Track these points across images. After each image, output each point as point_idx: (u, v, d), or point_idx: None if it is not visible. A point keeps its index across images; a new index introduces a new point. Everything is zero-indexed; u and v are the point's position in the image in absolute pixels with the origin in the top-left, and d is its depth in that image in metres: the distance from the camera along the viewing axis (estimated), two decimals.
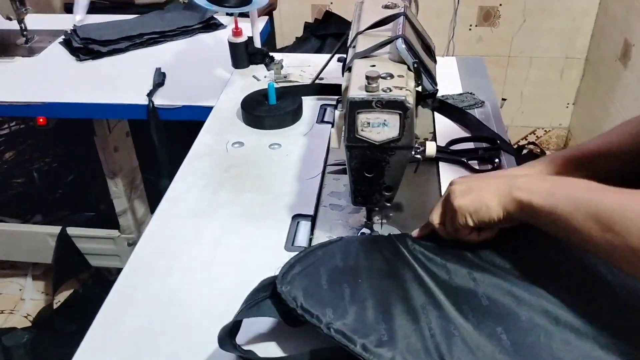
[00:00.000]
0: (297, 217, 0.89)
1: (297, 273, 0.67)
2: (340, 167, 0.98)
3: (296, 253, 0.71)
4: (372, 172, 0.74)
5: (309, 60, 1.39)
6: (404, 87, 0.70)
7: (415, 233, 0.79)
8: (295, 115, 1.13)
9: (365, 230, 0.83)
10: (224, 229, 0.87)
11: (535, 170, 0.76)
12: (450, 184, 0.72)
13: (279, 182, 0.97)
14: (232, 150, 1.05)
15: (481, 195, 0.68)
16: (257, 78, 1.31)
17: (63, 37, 1.56)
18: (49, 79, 1.40)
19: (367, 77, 0.69)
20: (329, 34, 2.23)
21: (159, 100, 1.28)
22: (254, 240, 0.84)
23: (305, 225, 0.87)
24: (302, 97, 1.18)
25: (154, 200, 1.83)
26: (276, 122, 1.12)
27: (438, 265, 0.69)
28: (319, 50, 2.13)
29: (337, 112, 0.72)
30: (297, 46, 2.23)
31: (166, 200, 0.93)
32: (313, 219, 0.88)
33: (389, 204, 0.77)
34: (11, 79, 1.41)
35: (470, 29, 2.35)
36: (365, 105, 0.69)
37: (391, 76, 0.72)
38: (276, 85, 1.16)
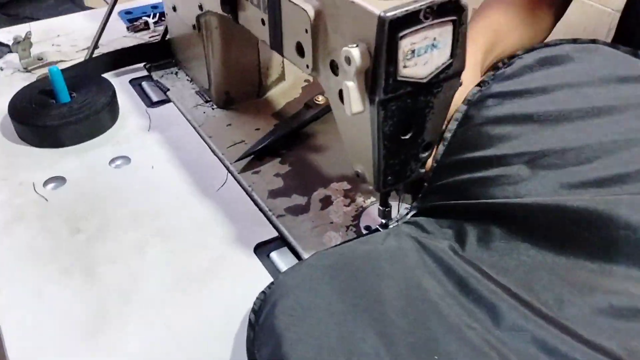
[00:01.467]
0: (261, 249, 0.55)
1: None
2: (248, 156, 0.65)
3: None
4: (409, 131, 0.47)
5: (51, 27, 0.92)
6: None
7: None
8: (112, 109, 0.72)
9: (374, 226, 0.56)
10: (165, 317, 0.48)
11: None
12: None
13: (179, 211, 0.59)
14: (52, 195, 0.61)
15: None
16: None
17: None
18: None
19: None
20: None
21: None
22: (225, 310, 0.49)
23: (283, 254, 0.55)
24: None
25: None
26: (92, 127, 0.69)
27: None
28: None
29: (354, 54, 0.41)
30: None
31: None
32: (285, 242, 0.56)
33: (423, 170, 0.51)
34: None
35: None
36: (411, 21, 0.40)
37: None
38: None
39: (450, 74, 0.45)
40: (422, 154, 0.49)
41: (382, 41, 0.40)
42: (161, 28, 0.87)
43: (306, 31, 0.46)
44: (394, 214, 0.55)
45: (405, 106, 0.44)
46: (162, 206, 0.59)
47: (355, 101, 0.43)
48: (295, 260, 0.54)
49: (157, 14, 0.96)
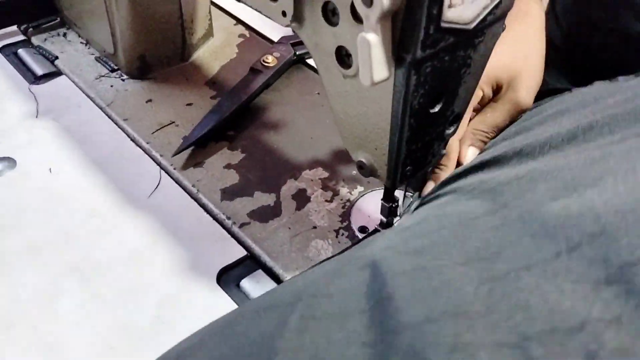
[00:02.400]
0: (226, 277, 0.40)
1: None
2: (188, 147, 0.48)
3: None
4: (439, 102, 0.33)
5: None
6: None
7: (430, 186, 0.42)
8: None
9: (372, 227, 0.42)
10: None
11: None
12: None
13: (99, 235, 0.42)
14: None
15: None
16: None
17: None
18: None
19: None
20: None
21: None
22: None
23: (257, 280, 0.39)
24: None
25: None
26: None
27: None
28: None
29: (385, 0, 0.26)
30: None
31: None
32: (258, 262, 0.41)
33: (444, 152, 0.38)
34: None
35: None
36: None
37: None
38: None
39: (497, 16, 0.31)
40: (448, 131, 0.36)
41: None
42: None
43: None
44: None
45: (441, 66, 0.30)
46: (74, 229, 0.42)
47: (378, 64, 0.28)
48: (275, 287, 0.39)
49: None
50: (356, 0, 0.27)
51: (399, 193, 0.40)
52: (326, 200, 0.45)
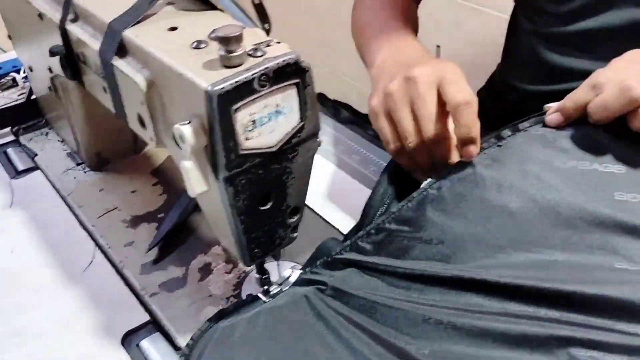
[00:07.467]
0: (129, 339, 0.50)
1: None
2: (157, 244, 0.59)
3: None
4: (269, 201, 0.43)
5: None
6: (268, 39, 0.40)
7: (554, 118, 0.46)
8: None
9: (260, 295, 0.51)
10: None
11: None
12: None
13: (40, 304, 0.53)
14: None
15: None
16: None
17: None
18: None
19: (224, 40, 0.36)
20: None
21: None
22: None
23: (155, 341, 0.49)
24: None
25: None
26: None
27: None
28: None
29: (186, 133, 0.36)
30: None
31: None
32: (158, 325, 0.51)
33: (296, 234, 0.47)
34: None
35: None
36: (244, 92, 0.36)
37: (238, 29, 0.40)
38: None
39: (303, 137, 0.41)
40: (290, 219, 0.46)
41: (214, 117, 0.36)
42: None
43: (142, 103, 0.42)
44: (275, 276, 0.51)
45: (257, 177, 0.40)
46: (22, 300, 0.53)
47: (195, 182, 0.38)
48: (169, 347, 0.49)
49: None
50: (176, 138, 0.38)
51: (270, 266, 0.50)
52: (226, 272, 0.55)
